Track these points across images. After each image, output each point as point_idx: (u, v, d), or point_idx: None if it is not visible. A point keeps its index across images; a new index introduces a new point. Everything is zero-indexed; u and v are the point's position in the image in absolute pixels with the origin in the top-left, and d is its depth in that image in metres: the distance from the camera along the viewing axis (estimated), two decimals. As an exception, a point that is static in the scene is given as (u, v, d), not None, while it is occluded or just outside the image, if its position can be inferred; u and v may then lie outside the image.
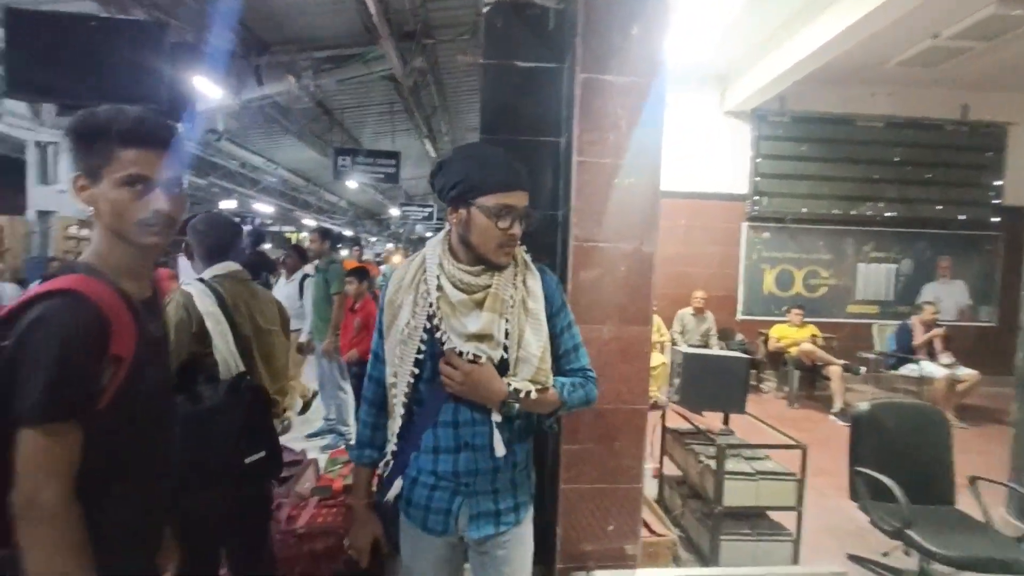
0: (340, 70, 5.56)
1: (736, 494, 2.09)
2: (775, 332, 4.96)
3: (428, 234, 23.71)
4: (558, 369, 1.09)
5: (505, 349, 1.01)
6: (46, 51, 3.33)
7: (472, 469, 1.03)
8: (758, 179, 5.43)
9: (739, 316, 5.51)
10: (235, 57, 5.25)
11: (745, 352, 3.80)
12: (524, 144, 1.83)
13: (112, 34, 3.41)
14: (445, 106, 7.84)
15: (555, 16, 1.84)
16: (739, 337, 5.17)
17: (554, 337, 1.08)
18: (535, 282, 1.07)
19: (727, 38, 4.38)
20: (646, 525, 1.96)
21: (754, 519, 2.21)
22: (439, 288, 1.02)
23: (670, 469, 2.63)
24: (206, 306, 1.43)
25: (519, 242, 1.07)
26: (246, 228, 4.63)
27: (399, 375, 1.04)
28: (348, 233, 18.61)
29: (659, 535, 1.98)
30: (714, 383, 2.33)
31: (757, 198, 5.44)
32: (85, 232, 6.62)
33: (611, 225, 1.66)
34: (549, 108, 1.84)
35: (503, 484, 1.06)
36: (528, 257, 1.11)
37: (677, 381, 2.45)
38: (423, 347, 1.02)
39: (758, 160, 5.42)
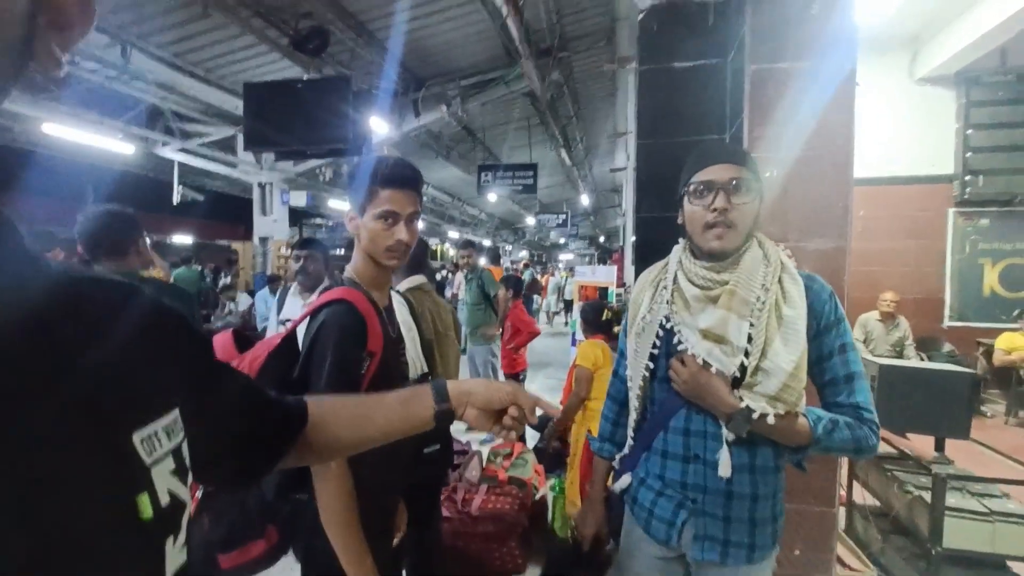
0: (483, 93, 5.99)
1: (962, 535, 1.74)
2: (1003, 343, 3.96)
3: (562, 240, 24.05)
4: (822, 400, 0.93)
5: (747, 355, 0.91)
6: (268, 112, 4.21)
7: (700, 484, 0.96)
8: (969, 155, 4.42)
9: (947, 322, 4.51)
10: (397, 95, 6.02)
11: (956, 364, 3.12)
12: (684, 144, 1.79)
13: (312, 92, 4.17)
14: (580, 114, 7.93)
15: (715, 10, 1.76)
16: (947, 348, 4.24)
17: (820, 360, 0.92)
18: (794, 287, 0.92)
19: (919, -9, 3.68)
20: (839, 560, 1.73)
21: (987, 569, 1.81)
22: (675, 283, 1.00)
23: (861, 497, 2.28)
24: (403, 315, 1.68)
25: (781, 245, 0.99)
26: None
27: (634, 370, 1.05)
28: (487, 243, 19.80)
29: (854, 570, 1.74)
30: (924, 401, 1.97)
31: (969, 178, 4.41)
32: (291, 252, 8.16)
33: (791, 222, 1.53)
34: (711, 105, 1.77)
35: (738, 514, 0.95)
36: (788, 259, 0.97)
37: (872, 397, 2.12)
38: (658, 343, 1.00)
39: (968, 132, 4.41)
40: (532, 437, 3.68)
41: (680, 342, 0.97)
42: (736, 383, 0.91)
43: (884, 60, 4.50)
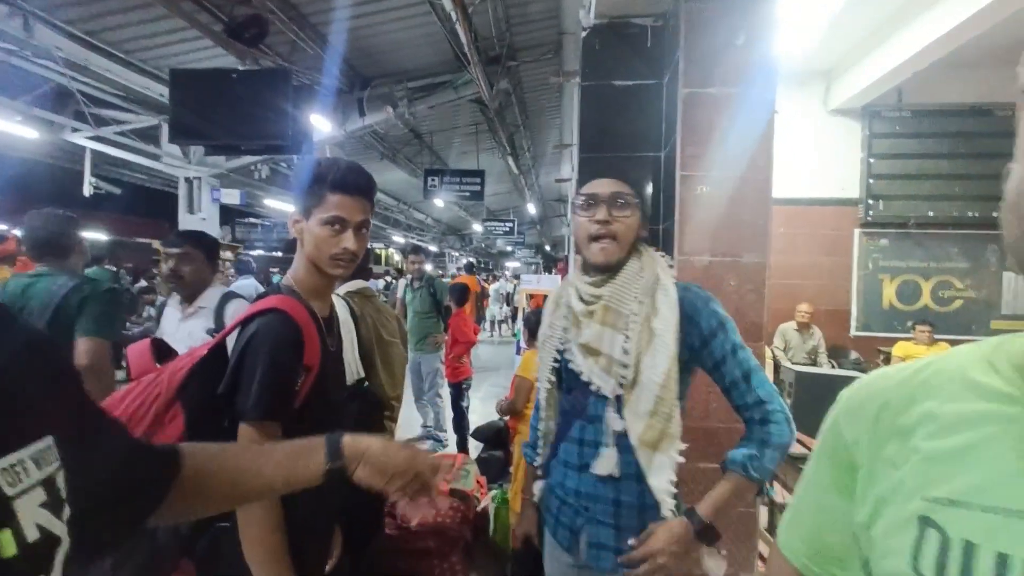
0: (432, 97, 5.94)
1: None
2: (899, 350, 4.43)
3: (508, 248, 24.24)
4: (731, 404, 0.94)
5: (624, 367, 0.93)
6: (198, 102, 3.93)
7: (592, 493, 0.97)
8: (872, 181, 4.92)
9: (853, 332, 4.98)
10: (341, 93, 5.83)
11: (862, 372, 3.44)
12: (623, 160, 1.85)
13: (248, 83, 3.95)
14: (527, 124, 8.04)
15: (653, 34, 1.85)
16: (854, 355, 4.68)
17: (716, 367, 0.93)
18: (664, 299, 0.94)
19: (833, 30, 4.06)
20: (760, 555, 1.84)
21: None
22: (569, 299, 1.03)
23: (780, 496, 2.45)
24: (343, 316, 1.61)
25: (662, 252, 1.02)
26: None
27: (540, 381, 1.08)
28: (434, 249, 19.55)
29: None
30: (830, 406, 2.14)
31: (871, 202, 4.92)
32: (223, 254, 7.62)
33: (718, 238, 1.62)
34: (649, 123, 1.85)
35: (627, 523, 0.95)
36: (667, 270, 0.99)
37: (788, 401, 2.29)
38: (559, 356, 1.03)
39: (871, 160, 4.91)
40: (475, 448, 3.65)
41: (570, 360, 1.00)
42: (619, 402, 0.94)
43: (803, 91, 4.93)
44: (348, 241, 0.94)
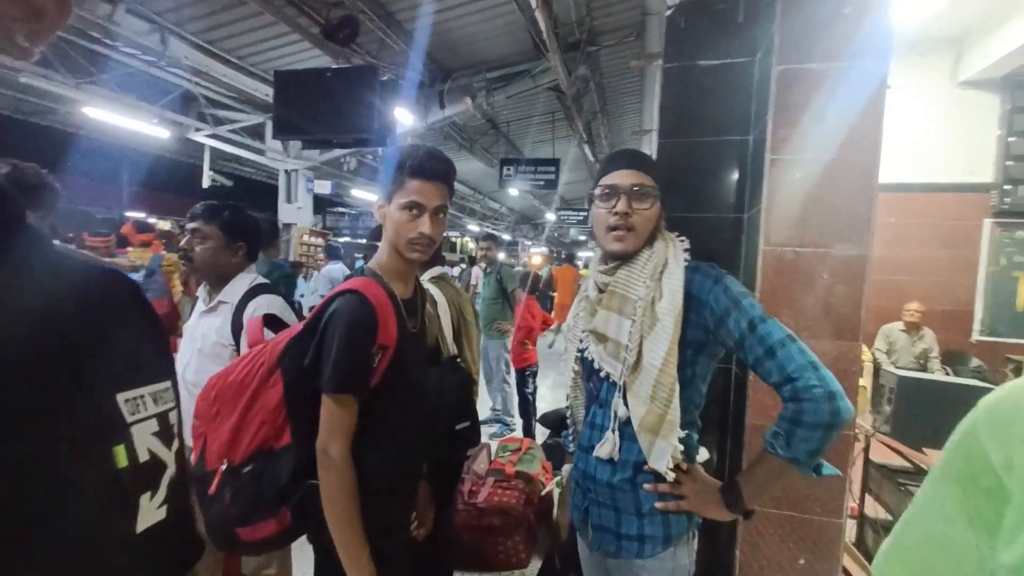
0: (510, 86, 5.99)
1: (976, 555, 1.69)
2: (1035, 360, 3.82)
3: (582, 237, 23.89)
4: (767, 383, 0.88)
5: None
6: (297, 100, 4.29)
7: (592, 475, 1.00)
8: (1010, 163, 4.24)
9: (975, 336, 4.35)
10: (423, 86, 6.06)
11: (983, 381, 3.02)
12: (706, 144, 1.77)
13: (341, 81, 4.23)
14: (605, 110, 7.86)
15: (745, 8, 1.73)
16: (975, 363, 4.10)
17: (737, 347, 0.88)
18: (671, 281, 0.93)
19: (965, -9, 3.54)
20: (845, 571, 1.71)
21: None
22: (588, 290, 1.06)
23: (873, 511, 2.24)
24: (440, 299, 1.72)
25: (681, 237, 1.02)
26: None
27: (567, 370, 1.11)
28: (507, 237, 19.80)
29: (863, 584, 1.72)
30: (944, 416, 1.91)
31: (1008, 187, 4.24)
32: (313, 239, 8.30)
33: (811, 227, 1.50)
34: (736, 105, 1.74)
35: (624, 505, 0.96)
36: (678, 254, 0.97)
37: (888, 408, 2.08)
38: (580, 345, 1.06)
39: (1011, 139, 4.23)
40: (542, 434, 3.70)
41: (585, 347, 1.02)
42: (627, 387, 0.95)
43: (925, 61, 4.34)
44: (424, 225, 0.98)
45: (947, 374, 3.84)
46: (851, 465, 1.81)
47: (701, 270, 0.94)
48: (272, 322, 1.12)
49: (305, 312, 4.91)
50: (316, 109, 4.24)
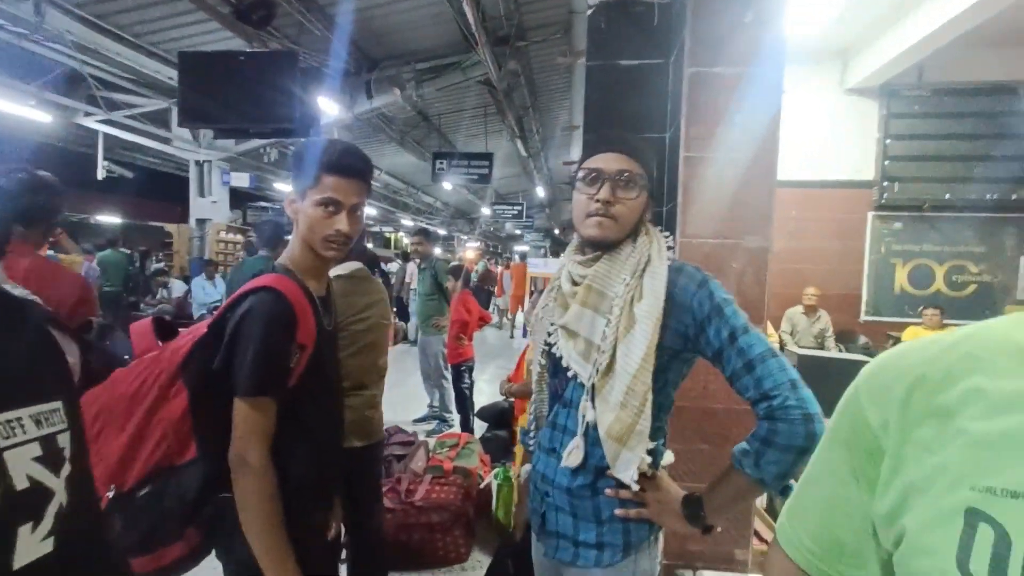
0: (440, 79, 5.89)
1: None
2: (910, 335, 4.38)
3: (517, 231, 24.10)
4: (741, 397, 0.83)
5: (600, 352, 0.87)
6: (206, 85, 3.94)
7: (551, 479, 0.94)
8: (887, 163, 4.81)
9: (863, 317, 4.93)
10: (349, 75, 5.80)
11: (869, 356, 3.43)
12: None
13: (256, 66, 3.94)
14: (536, 105, 7.96)
15: (660, 11, 1.82)
16: (862, 340, 4.65)
17: (715, 358, 0.83)
18: (651, 282, 0.86)
19: (851, 6, 3.94)
20: (756, 534, 1.88)
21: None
22: (561, 281, 0.98)
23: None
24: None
25: (666, 233, 0.95)
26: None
27: (533, 364, 1.04)
28: (443, 232, 19.56)
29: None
30: (835, 388, 2.15)
31: (887, 184, 4.81)
32: (231, 236, 7.71)
33: (721, 220, 1.61)
34: (654, 104, 1.83)
35: (583, 511, 0.91)
36: (662, 252, 0.90)
37: (791, 384, 2.29)
38: (548, 339, 0.98)
39: (888, 141, 4.79)
40: (480, 428, 3.72)
41: (554, 343, 0.95)
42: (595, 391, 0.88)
43: (819, 70, 4.80)
44: (341, 223, 0.94)
45: (840, 351, 4.31)
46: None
47: (686, 271, 0.86)
48: (162, 326, 1.01)
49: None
50: (229, 95, 3.92)
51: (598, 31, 1.87)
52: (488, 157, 8.01)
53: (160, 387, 0.90)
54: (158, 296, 7.14)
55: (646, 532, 0.91)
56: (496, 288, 10.22)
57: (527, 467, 1.08)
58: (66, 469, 0.35)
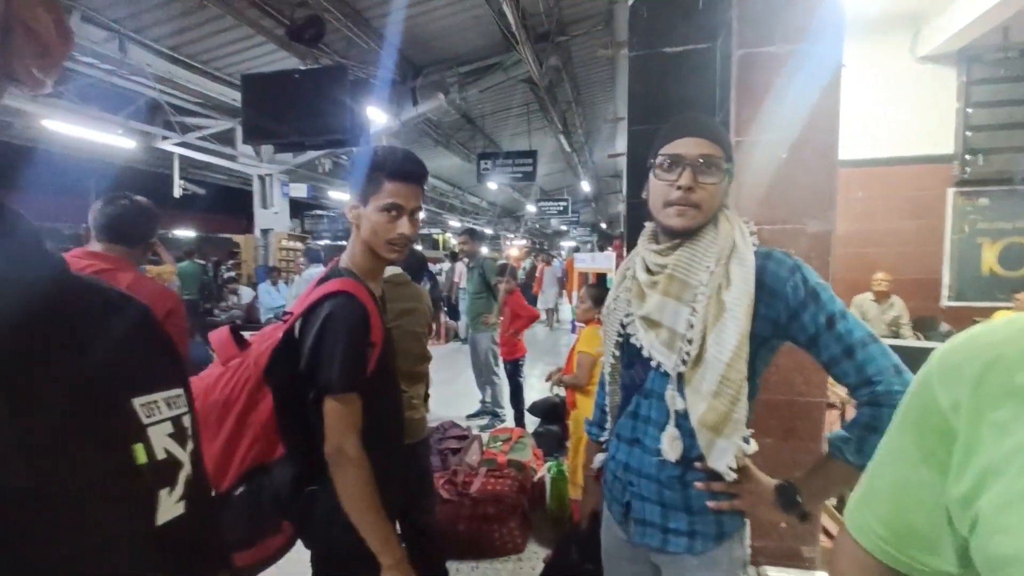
0: (482, 80, 5.98)
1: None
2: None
3: (563, 227, 23.92)
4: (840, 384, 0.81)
5: (690, 342, 0.85)
6: (266, 103, 4.22)
7: (637, 468, 0.93)
8: (970, 134, 4.38)
9: (945, 302, 4.52)
10: (395, 84, 6.00)
11: (954, 346, 3.15)
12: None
13: (309, 82, 4.18)
14: (579, 99, 7.89)
15: (705, -7, 1.77)
16: (945, 327, 4.27)
17: (810, 344, 0.81)
18: (739, 269, 0.83)
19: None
20: (825, 531, 1.79)
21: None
22: (635, 270, 0.96)
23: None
24: None
25: (746, 218, 0.92)
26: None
27: (605, 356, 1.04)
28: (489, 232, 19.77)
29: (843, 544, 1.80)
30: (912, 379, 2.00)
31: (969, 157, 4.39)
32: (293, 243, 8.19)
33: (777, 206, 1.55)
34: (701, 90, 1.79)
35: (672, 501, 0.90)
36: (746, 236, 0.87)
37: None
38: (622, 330, 0.97)
39: (969, 111, 4.37)
40: (532, 423, 3.75)
41: (632, 334, 0.94)
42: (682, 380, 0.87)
43: (886, 39, 4.45)
44: (404, 227, 1.01)
45: (918, 339, 3.99)
46: (827, 432, 1.89)
47: (775, 257, 0.84)
48: (237, 334, 1.10)
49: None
50: (286, 111, 4.19)
51: (640, 20, 1.85)
52: (532, 155, 8.03)
53: (248, 392, 0.98)
54: (229, 302, 7.69)
55: (739, 521, 0.91)
56: (535, 285, 10.15)
57: (601, 457, 1.07)
58: (189, 445, 0.42)
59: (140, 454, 0.37)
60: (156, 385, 0.41)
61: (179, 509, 0.39)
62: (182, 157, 6.84)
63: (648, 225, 1.00)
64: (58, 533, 0.32)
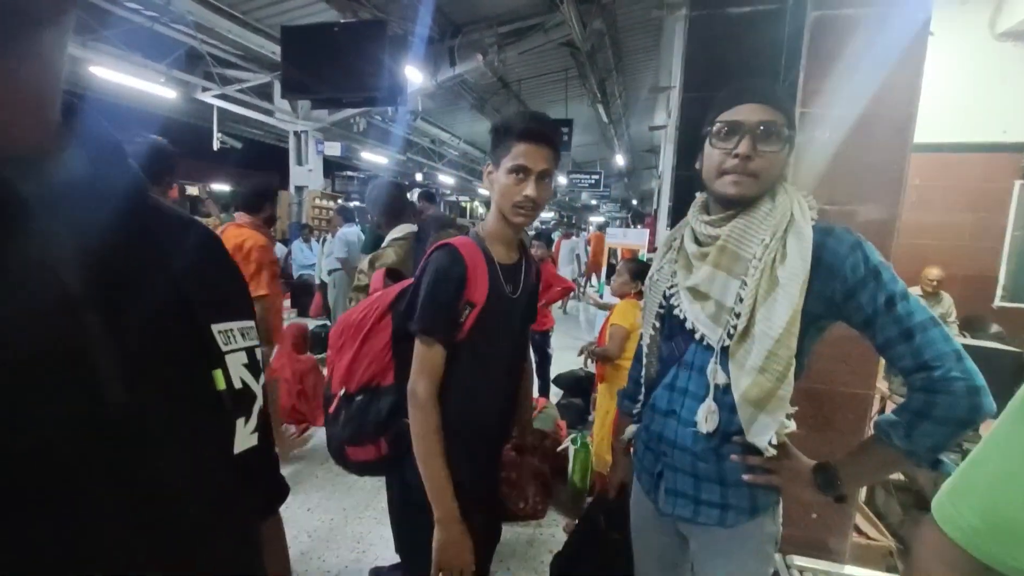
0: (522, 42, 5.77)
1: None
2: (1057, 326, 3.76)
3: (593, 201, 23.45)
4: (896, 369, 0.79)
5: (737, 316, 0.83)
6: (305, 57, 4.17)
7: (671, 440, 0.92)
8: (1047, 121, 4.04)
9: (998, 302, 4.27)
10: (433, 42, 5.85)
11: (1004, 345, 2.98)
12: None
13: (348, 36, 4.09)
14: (620, 67, 7.58)
15: (780, -51, 1.62)
16: (995, 328, 4.04)
17: (866, 325, 0.78)
18: (796, 244, 0.80)
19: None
20: (855, 527, 1.76)
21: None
22: (683, 241, 0.94)
23: (884, 471, 2.28)
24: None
25: (805, 192, 0.88)
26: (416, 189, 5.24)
27: (645, 327, 1.02)
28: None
29: (871, 539, 1.77)
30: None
31: (1042, 147, 4.06)
32: (326, 203, 8.27)
33: (840, 185, 1.46)
34: (765, 56, 1.66)
35: (706, 473, 0.90)
36: (806, 210, 0.84)
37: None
38: (664, 303, 0.96)
39: (1049, 95, 4.01)
40: (556, 394, 3.77)
41: (676, 305, 0.93)
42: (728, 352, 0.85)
43: (963, 10, 4.08)
44: (530, 189, 0.98)
45: (963, 338, 3.80)
46: (868, 426, 1.83)
47: (835, 233, 0.81)
48: (393, 274, 1.25)
49: (319, 278, 4.95)
50: (324, 67, 4.13)
51: (705, -23, 1.72)
52: (568, 124, 7.80)
53: (373, 321, 1.10)
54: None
55: (773, 497, 0.91)
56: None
57: (632, 428, 1.07)
58: (261, 378, 0.42)
59: (220, 380, 0.37)
60: (231, 313, 0.40)
61: (253, 440, 0.40)
62: (221, 110, 6.90)
63: (699, 195, 0.97)
64: (150, 451, 0.32)
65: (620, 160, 12.97)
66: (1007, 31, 4.03)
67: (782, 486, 0.89)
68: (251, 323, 0.42)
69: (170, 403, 0.34)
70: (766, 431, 0.83)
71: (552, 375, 3.86)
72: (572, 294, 7.34)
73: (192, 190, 8.34)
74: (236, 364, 0.39)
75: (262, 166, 12.75)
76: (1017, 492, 0.41)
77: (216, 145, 7.24)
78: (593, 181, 13.57)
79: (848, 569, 1.47)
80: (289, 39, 4.20)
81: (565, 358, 4.06)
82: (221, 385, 0.37)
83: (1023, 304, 4.22)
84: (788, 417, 0.84)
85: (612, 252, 5.99)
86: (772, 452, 0.84)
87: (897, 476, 2.19)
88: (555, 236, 10.41)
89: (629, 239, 5.41)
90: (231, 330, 0.39)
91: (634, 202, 22.58)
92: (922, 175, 4.19)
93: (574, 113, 8.41)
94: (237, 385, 0.38)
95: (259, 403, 0.41)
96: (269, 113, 7.17)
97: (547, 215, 20.50)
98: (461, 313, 0.99)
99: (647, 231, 5.59)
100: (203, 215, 4.39)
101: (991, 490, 0.43)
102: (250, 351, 0.41)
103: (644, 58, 7.64)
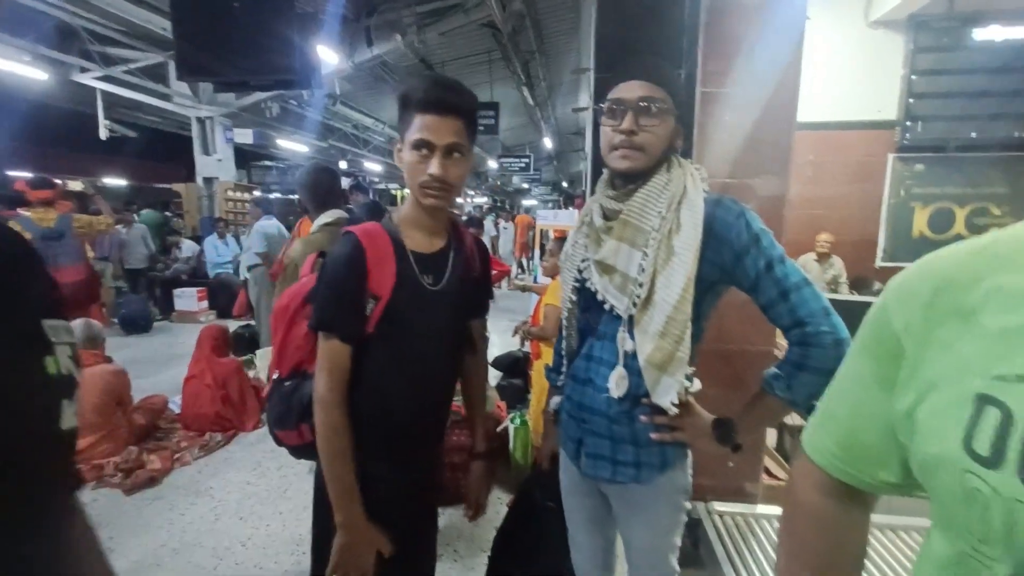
0: (442, 22, 5.63)
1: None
2: (923, 280, 4.34)
3: (524, 185, 23.64)
4: (777, 327, 0.86)
5: (640, 286, 0.88)
6: (201, 34, 3.81)
7: (590, 407, 0.97)
8: (912, 101, 4.58)
9: (879, 263, 4.86)
10: (347, 21, 5.56)
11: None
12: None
13: (250, 11, 3.78)
14: (543, 50, 7.61)
15: (678, -67, 1.70)
16: (877, 286, 4.60)
17: (752, 288, 0.85)
18: (689, 214, 0.86)
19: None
20: (766, 470, 1.95)
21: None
22: (592, 216, 0.98)
23: (790, 418, 2.54)
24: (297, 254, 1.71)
25: (698, 165, 0.93)
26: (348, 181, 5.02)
27: (563, 301, 1.05)
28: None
29: (780, 479, 1.97)
30: (850, 330, 2.16)
31: (910, 124, 4.61)
32: (239, 195, 7.68)
33: (738, 161, 1.58)
34: (669, 38, 1.74)
35: (620, 435, 0.95)
36: (697, 183, 0.90)
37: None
38: (579, 276, 1.00)
39: (913, 78, 4.54)
40: (495, 376, 3.81)
41: (587, 278, 0.97)
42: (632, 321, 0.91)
43: (839, 2, 4.50)
44: (434, 166, 0.85)
45: (853, 295, 4.29)
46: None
47: (723, 203, 0.87)
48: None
49: (242, 273, 4.62)
50: (224, 45, 3.79)
51: (611, -42, 1.76)
52: (494, 107, 7.77)
53: (295, 308, 1.08)
54: (171, 256, 7.19)
55: (682, 452, 0.98)
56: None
57: (557, 399, 1.11)
58: (78, 371, 0.47)
59: (51, 365, 0.43)
60: (55, 312, 0.46)
61: (74, 421, 0.45)
62: (107, 94, 6.14)
63: (605, 171, 1.01)
64: None
65: (548, 143, 13.13)
66: (877, 19, 4.50)
67: (688, 441, 0.95)
68: (68, 324, 0.47)
69: (12, 378, 0.40)
70: (669, 391, 0.89)
71: (490, 358, 3.90)
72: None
73: (75, 185, 7.37)
74: (63, 355, 0.45)
75: (163, 158, 11.61)
76: (862, 419, 0.46)
77: (104, 134, 6.44)
78: (523, 164, 13.65)
79: (761, 508, 1.64)
80: (180, 13, 3.81)
81: (503, 340, 4.11)
82: (52, 370, 0.43)
83: (900, 263, 4.82)
84: (689, 378, 0.91)
85: (544, 234, 6.09)
86: (675, 411, 0.90)
87: (802, 422, 2.45)
88: (488, 221, 10.44)
89: (560, 220, 5.53)
90: (56, 326, 0.45)
91: (564, 184, 23.02)
92: (816, 151, 4.62)
93: (500, 96, 8.38)
94: (64, 371, 0.44)
95: (79, 393, 0.46)
96: (166, 98, 6.48)
97: (480, 200, 20.38)
98: (365, 306, 0.89)
99: (576, 211, 5.74)
100: (93, 214, 3.92)
101: (843, 420, 0.49)
102: (72, 345, 0.47)
103: (565, 40, 7.74)
